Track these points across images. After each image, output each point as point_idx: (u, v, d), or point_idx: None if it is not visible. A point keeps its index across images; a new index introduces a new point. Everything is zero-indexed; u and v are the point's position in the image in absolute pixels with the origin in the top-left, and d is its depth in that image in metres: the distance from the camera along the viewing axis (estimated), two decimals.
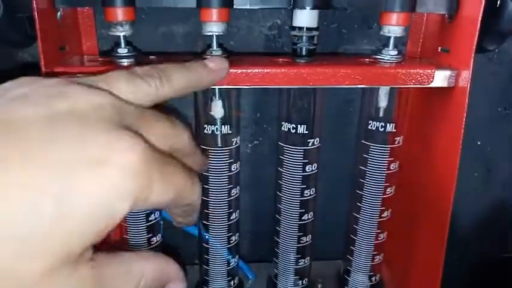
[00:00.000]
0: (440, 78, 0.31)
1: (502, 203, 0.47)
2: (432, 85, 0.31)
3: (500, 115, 0.43)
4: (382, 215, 0.37)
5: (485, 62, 0.41)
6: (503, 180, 0.46)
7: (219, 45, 0.32)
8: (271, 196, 0.38)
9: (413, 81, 0.31)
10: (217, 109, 0.33)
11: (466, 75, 0.30)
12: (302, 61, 0.32)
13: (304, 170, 0.35)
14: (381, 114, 0.35)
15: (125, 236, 0.36)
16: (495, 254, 0.48)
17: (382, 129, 0.35)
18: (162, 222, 0.37)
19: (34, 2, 0.26)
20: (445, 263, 0.33)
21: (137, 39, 0.33)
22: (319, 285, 0.42)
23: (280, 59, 0.32)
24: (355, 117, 0.39)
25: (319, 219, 0.39)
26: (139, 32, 0.33)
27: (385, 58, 0.32)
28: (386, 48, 0.32)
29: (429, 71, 0.31)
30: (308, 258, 0.39)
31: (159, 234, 0.37)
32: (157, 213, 0.36)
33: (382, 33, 0.32)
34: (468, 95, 0.29)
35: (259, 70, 0.30)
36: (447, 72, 0.31)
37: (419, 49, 0.37)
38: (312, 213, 0.37)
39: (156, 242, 0.37)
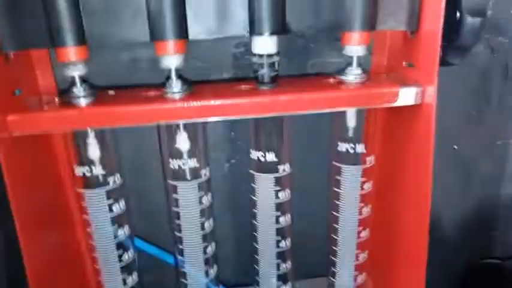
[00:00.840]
0: (405, 96, 0.30)
1: (483, 206, 0.47)
2: (398, 104, 0.30)
3: (473, 118, 0.43)
4: (361, 235, 0.37)
5: (455, 67, 0.40)
6: (482, 182, 0.46)
7: (179, 76, 0.31)
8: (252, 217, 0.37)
9: (377, 101, 0.30)
10: (183, 142, 0.33)
11: (431, 92, 0.29)
12: (265, 87, 0.31)
13: (277, 197, 0.34)
14: (350, 134, 0.34)
15: (100, 279, 0.35)
16: (478, 258, 0.48)
17: (352, 150, 0.34)
18: (136, 260, 0.36)
19: None
20: (429, 270, 0.32)
21: (99, 69, 0.32)
22: None
23: (243, 86, 0.32)
24: (327, 138, 0.38)
25: (300, 241, 0.38)
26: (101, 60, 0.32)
27: (349, 78, 0.31)
28: (349, 68, 0.32)
29: (393, 89, 0.30)
30: (289, 283, 0.38)
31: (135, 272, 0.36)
32: (131, 252, 0.35)
33: (344, 53, 0.31)
34: (435, 110, 0.29)
35: (222, 102, 0.29)
36: (412, 90, 0.30)
37: (385, 64, 0.36)
38: (289, 239, 0.36)
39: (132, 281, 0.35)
